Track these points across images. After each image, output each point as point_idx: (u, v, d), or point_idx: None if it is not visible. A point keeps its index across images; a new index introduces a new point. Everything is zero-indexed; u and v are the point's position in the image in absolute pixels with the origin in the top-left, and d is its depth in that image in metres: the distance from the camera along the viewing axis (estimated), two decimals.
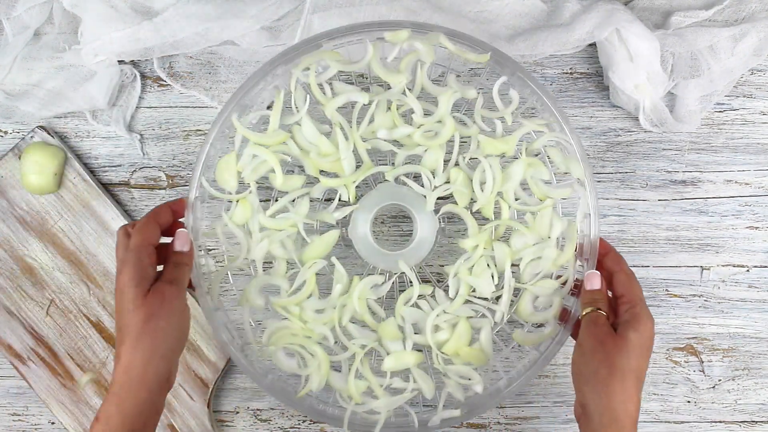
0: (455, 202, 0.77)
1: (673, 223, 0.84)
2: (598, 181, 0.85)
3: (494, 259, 0.76)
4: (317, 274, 0.76)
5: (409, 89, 0.76)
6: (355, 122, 0.76)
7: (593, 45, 0.85)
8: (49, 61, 0.87)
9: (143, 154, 0.87)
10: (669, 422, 0.85)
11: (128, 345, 0.65)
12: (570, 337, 0.73)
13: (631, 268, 0.84)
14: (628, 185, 0.85)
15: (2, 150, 0.87)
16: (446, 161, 0.77)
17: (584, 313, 0.69)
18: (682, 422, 0.85)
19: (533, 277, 0.75)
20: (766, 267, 0.84)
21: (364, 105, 0.75)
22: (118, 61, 0.87)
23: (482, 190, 0.75)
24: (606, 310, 0.69)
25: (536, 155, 0.77)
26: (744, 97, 0.85)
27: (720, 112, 0.85)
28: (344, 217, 0.79)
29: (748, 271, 0.84)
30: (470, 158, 0.76)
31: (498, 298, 0.76)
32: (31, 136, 0.85)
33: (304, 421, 0.86)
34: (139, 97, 0.87)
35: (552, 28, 0.82)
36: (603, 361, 0.65)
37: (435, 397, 0.76)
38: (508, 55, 0.73)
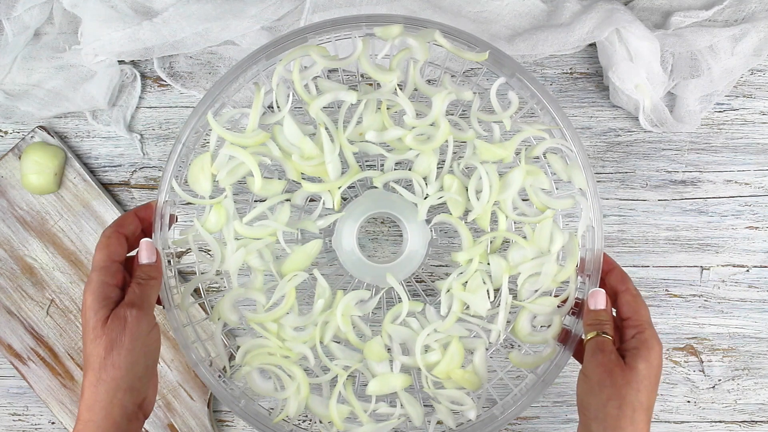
0: (449, 212, 0.71)
1: (673, 223, 0.84)
2: (599, 181, 0.85)
3: (490, 274, 0.70)
4: (297, 288, 0.70)
5: (401, 89, 0.70)
6: (342, 123, 0.70)
7: (593, 45, 0.85)
8: (49, 61, 0.87)
9: (143, 154, 0.87)
10: (669, 422, 0.85)
11: (90, 378, 0.60)
12: (572, 356, 0.69)
13: (631, 268, 0.84)
14: (628, 185, 0.85)
15: (2, 150, 0.87)
16: (439, 167, 0.72)
17: (588, 337, 0.64)
18: (682, 422, 0.85)
19: (532, 294, 0.69)
20: (765, 267, 0.84)
21: (352, 105, 0.69)
22: (118, 61, 0.87)
23: (478, 199, 0.70)
24: (612, 334, 0.64)
25: (536, 162, 0.72)
26: (744, 97, 0.85)
27: (720, 112, 0.85)
28: (328, 226, 0.73)
29: (747, 271, 0.84)
30: (465, 165, 0.71)
31: (494, 316, 0.71)
32: (32, 136, 0.85)
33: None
34: (139, 97, 0.87)
35: (552, 28, 0.82)
36: (612, 397, 0.61)
37: (424, 425, 0.71)
38: (508, 55, 0.69)
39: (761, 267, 0.84)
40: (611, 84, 0.83)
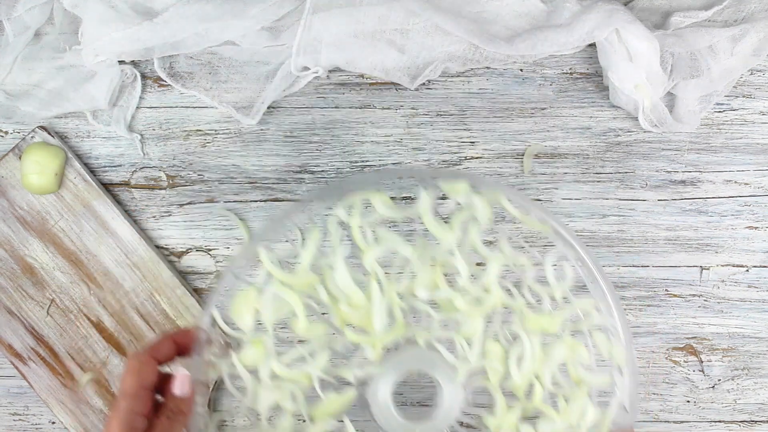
0: (486, 375, 0.69)
1: (673, 223, 0.84)
2: (598, 182, 0.85)
3: None
4: None
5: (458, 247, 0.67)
6: (393, 276, 0.68)
7: (593, 45, 0.85)
8: (50, 62, 0.87)
9: (143, 154, 0.87)
10: (668, 422, 0.85)
11: None
12: None
13: (631, 268, 0.84)
14: (628, 185, 0.85)
15: (2, 150, 0.87)
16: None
17: None
18: (682, 422, 0.85)
19: None
20: (765, 267, 0.84)
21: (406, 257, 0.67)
22: (119, 61, 0.87)
23: (518, 368, 0.68)
24: None
25: (577, 334, 0.70)
26: (744, 97, 0.85)
27: (719, 112, 0.85)
28: (364, 377, 0.70)
29: (747, 271, 0.84)
30: (510, 332, 0.69)
31: None
32: (32, 137, 0.85)
33: (305, 421, 0.86)
34: (140, 98, 0.87)
35: (552, 29, 0.82)
36: None
37: None
38: (568, 228, 0.67)
39: (761, 267, 0.84)
40: (611, 84, 0.83)
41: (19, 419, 0.88)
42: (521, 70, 0.87)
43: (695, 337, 0.85)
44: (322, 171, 0.86)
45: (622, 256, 0.84)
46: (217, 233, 0.86)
